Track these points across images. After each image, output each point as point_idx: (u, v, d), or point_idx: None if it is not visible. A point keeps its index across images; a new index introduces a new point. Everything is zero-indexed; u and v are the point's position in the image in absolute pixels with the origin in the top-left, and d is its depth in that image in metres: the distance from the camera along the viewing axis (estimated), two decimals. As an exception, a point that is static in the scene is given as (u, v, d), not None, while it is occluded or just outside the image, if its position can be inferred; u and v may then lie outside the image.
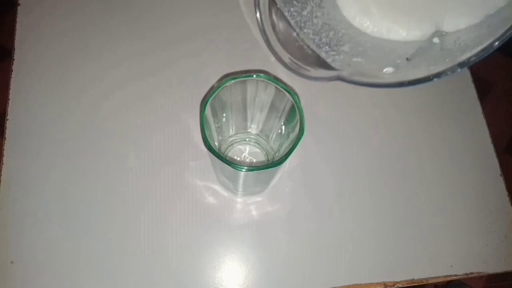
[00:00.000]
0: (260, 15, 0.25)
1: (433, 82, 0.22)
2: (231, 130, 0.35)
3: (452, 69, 0.22)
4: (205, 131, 0.26)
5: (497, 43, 0.20)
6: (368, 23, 0.28)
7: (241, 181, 0.30)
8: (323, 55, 0.26)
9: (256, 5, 0.25)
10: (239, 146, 0.37)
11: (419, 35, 0.27)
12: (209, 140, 0.25)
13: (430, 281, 0.35)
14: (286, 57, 0.25)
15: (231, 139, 0.36)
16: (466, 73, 0.42)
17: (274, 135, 0.34)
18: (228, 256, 0.35)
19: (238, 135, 0.36)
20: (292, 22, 0.27)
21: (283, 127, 0.31)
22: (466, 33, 0.25)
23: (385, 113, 0.40)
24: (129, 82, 0.40)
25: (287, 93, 0.26)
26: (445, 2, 0.27)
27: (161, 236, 0.35)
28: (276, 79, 0.26)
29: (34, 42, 0.41)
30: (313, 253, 0.35)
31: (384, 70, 0.24)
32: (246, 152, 0.37)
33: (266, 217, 0.36)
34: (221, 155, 0.25)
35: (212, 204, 0.36)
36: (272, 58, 0.27)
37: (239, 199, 0.36)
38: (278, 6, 0.24)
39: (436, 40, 0.26)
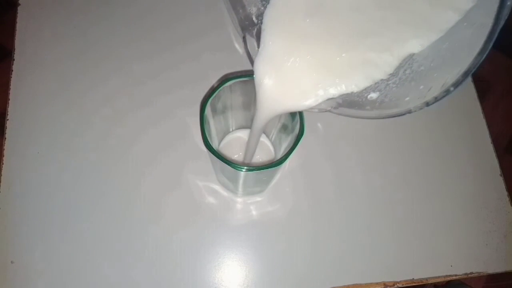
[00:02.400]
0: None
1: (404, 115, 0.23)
2: (231, 130, 0.36)
3: (420, 107, 0.22)
4: (205, 131, 0.26)
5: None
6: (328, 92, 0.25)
7: (241, 181, 0.30)
8: None
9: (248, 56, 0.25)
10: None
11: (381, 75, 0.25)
12: (209, 140, 0.25)
13: (430, 281, 0.35)
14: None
15: (231, 139, 0.36)
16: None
17: (274, 135, 0.34)
18: (228, 256, 0.35)
19: (238, 135, 0.36)
20: None
21: (283, 127, 0.31)
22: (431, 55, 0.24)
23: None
24: (130, 82, 0.40)
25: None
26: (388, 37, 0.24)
27: (160, 236, 0.35)
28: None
29: (34, 42, 0.41)
30: (313, 253, 0.35)
31: (369, 97, 0.24)
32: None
33: (266, 217, 0.36)
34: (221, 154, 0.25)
35: (212, 204, 0.36)
36: None
37: (239, 199, 0.36)
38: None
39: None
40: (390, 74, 0.24)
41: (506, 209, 0.38)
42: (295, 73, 0.24)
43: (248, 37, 0.25)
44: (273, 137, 0.34)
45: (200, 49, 0.41)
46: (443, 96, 0.21)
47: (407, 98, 0.23)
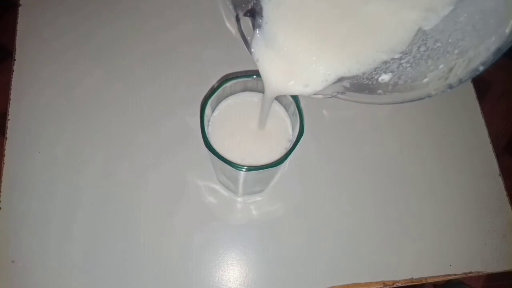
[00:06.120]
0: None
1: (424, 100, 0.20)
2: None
3: (442, 89, 0.19)
4: (205, 131, 0.26)
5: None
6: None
7: (241, 180, 0.30)
8: None
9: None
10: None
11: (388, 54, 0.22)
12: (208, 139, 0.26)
13: (429, 281, 0.35)
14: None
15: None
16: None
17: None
18: (228, 256, 0.35)
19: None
20: None
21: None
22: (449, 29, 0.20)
23: (384, 113, 0.40)
24: (130, 82, 0.40)
25: (287, 93, 0.26)
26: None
27: (161, 235, 0.35)
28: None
29: (35, 43, 0.41)
30: (312, 252, 0.35)
31: (380, 79, 0.22)
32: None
33: (266, 217, 0.36)
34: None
35: (212, 203, 0.36)
36: None
37: (239, 199, 0.36)
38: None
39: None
40: (401, 52, 0.21)
41: (505, 208, 0.38)
42: (297, 57, 0.22)
43: (241, 16, 0.23)
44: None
45: (201, 50, 0.42)
46: (470, 77, 0.18)
47: (426, 80, 0.20)
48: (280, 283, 0.34)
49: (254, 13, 0.23)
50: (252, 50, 0.23)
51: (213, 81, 0.40)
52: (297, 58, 0.22)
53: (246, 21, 0.23)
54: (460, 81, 0.19)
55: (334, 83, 0.22)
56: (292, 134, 0.31)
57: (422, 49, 0.21)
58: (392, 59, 0.21)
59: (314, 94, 0.23)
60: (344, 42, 0.21)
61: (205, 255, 0.35)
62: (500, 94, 1.07)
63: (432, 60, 0.21)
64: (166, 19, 0.43)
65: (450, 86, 0.19)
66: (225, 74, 0.40)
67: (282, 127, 0.31)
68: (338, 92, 0.22)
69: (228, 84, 0.27)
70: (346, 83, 0.22)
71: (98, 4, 0.43)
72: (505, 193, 0.38)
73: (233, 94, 0.31)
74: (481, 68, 0.18)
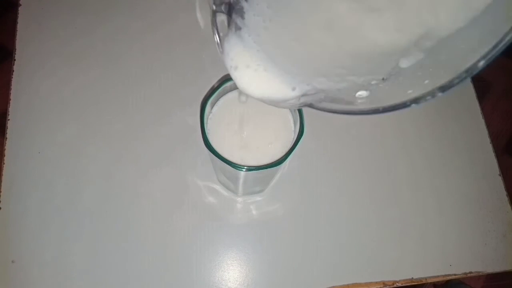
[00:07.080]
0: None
1: (410, 108, 0.20)
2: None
3: (432, 93, 0.20)
4: (205, 130, 0.26)
5: (482, 62, 0.17)
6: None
7: (241, 180, 0.30)
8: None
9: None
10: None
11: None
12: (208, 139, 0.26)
13: (429, 280, 0.35)
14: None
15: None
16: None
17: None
18: (228, 255, 0.35)
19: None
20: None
21: None
22: (447, 49, 0.20)
23: (384, 114, 0.40)
24: (130, 82, 0.40)
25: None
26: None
27: (161, 235, 0.35)
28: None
29: (35, 42, 0.41)
30: (312, 252, 0.35)
31: (357, 94, 0.22)
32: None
33: (266, 217, 0.36)
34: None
35: (213, 203, 0.36)
36: None
37: (239, 199, 0.36)
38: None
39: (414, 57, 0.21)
40: (378, 80, 0.21)
41: (505, 209, 0.38)
42: (273, 64, 0.21)
43: (217, 8, 0.22)
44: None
45: (201, 49, 0.42)
46: (453, 87, 0.18)
47: (410, 91, 0.20)
48: (280, 283, 0.34)
49: (231, 11, 0.21)
50: (224, 49, 0.22)
51: (213, 81, 0.40)
52: (273, 66, 0.21)
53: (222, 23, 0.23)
54: (452, 84, 0.18)
55: (311, 94, 0.22)
56: (294, 131, 0.30)
57: (400, 78, 0.21)
58: (369, 84, 0.21)
59: (289, 102, 0.22)
60: (323, 57, 0.21)
61: (205, 255, 0.35)
62: (500, 94, 1.07)
63: (411, 85, 0.20)
64: (166, 18, 0.43)
65: (433, 95, 0.18)
66: (225, 74, 0.40)
67: (284, 123, 0.31)
68: (314, 101, 0.22)
69: (228, 83, 0.27)
70: (322, 95, 0.22)
71: (98, 3, 0.43)
72: (505, 193, 0.38)
73: (233, 90, 0.31)
74: (481, 64, 0.18)
